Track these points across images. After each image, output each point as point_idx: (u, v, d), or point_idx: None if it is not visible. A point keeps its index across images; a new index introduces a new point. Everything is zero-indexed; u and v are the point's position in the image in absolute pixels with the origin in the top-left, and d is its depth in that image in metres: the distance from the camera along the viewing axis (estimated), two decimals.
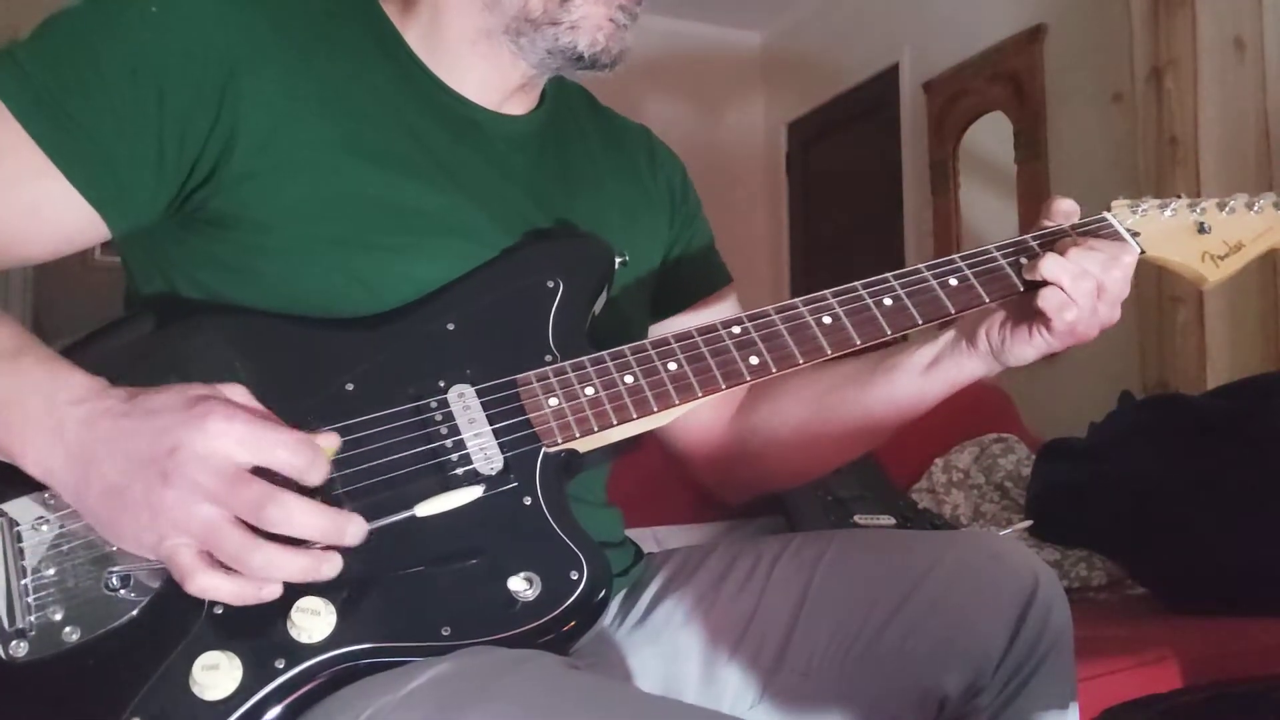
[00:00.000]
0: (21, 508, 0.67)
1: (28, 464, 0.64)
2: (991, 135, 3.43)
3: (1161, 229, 0.92)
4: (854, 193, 4.20)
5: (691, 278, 1.05)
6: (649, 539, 1.55)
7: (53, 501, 0.67)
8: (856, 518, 1.85)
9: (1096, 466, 1.96)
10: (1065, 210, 0.91)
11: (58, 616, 0.65)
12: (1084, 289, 0.84)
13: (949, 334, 0.93)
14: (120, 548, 0.65)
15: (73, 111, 0.71)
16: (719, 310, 1.04)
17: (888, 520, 1.88)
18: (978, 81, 3.44)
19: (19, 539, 0.67)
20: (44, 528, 0.67)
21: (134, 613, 0.66)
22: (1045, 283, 0.84)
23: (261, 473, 0.63)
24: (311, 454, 0.64)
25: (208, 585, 0.62)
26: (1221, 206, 0.93)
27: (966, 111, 3.54)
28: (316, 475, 0.65)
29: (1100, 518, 1.92)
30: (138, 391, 0.65)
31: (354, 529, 0.65)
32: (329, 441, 0.67)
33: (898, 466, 2.17)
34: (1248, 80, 2.49)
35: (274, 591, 0.64)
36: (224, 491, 0.61)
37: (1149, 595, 1.89)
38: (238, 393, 0.66)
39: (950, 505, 2.19)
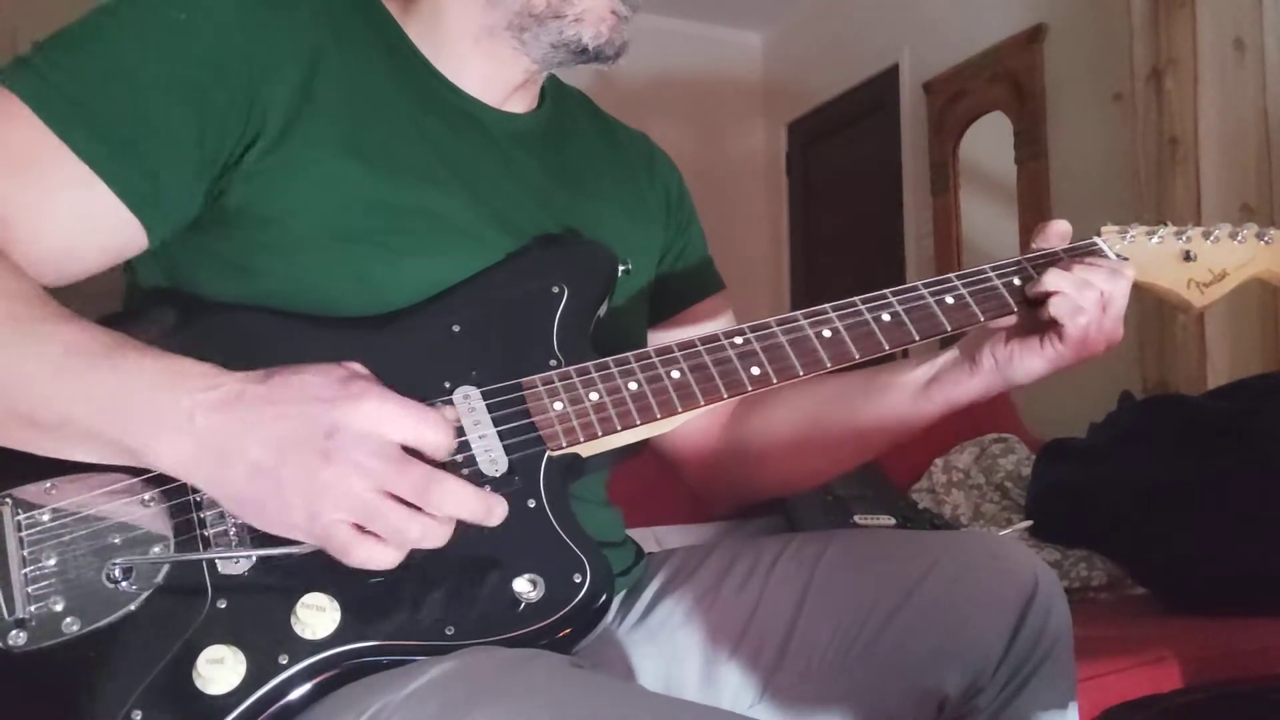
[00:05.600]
0: (23, 496, 0.67)
1: (157, 457, 0.63)
2: (991, 135, 3.42)
3: (1149, 255, 0.94)
4: (854, 193, 4.20)
5: (685, 283, 1.05)
6: (649, 539, 1.55)
7: (54, 490, 0.67)
8: (856, 518, 1.85)
9: (1096, 467, 1.96)
10: (1060, 231, 0.92)
11: (58, 607, 0.65)
12: (1089, 297, 0.85)
13: (950, 353, 0.93)
14: (262, 528, 0.65)
15: (113, 124, 0.71)
16: (711, 316, 1.04)
17: (888, 520, 1.89)
18: (978, 81, 3.44)
19: (19, 528, 0.67)
20: (45, 516, 0.67)
21: (135, 605, 0.66)
22: (1048, 297, 0.86)
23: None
24: (450, 431, 0.66)
25: (371, 555, 0.63)
26: (1207, 235, 0.95)
27: (966, 111, 3.54)
28: (448, 452, 0.67)
29: (1100, 518, 1.92)
30: (272, 373, 0.65)
31: (500, 510, 0.67)
32: (453, 416, 0.71)
33: (898, 466, 2.17)
34: (1248, 80, 2.49)
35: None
36: (387, 471, 0.62)
37: (1149, 595, 1.90)
38: (363, 369, 0.67)
39: (950, 505, 2.19)
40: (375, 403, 0.63)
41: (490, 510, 0.66)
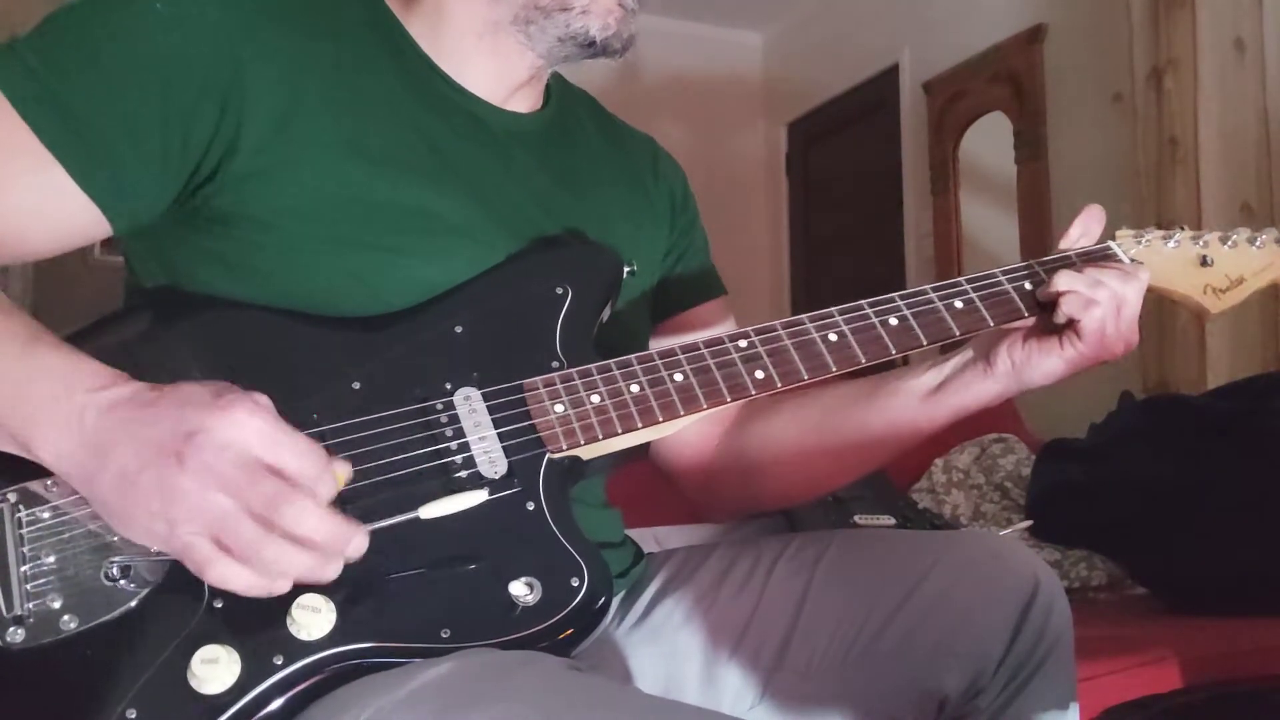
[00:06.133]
0: (23, 494, 0.67)
1: (40, 451, 0.63)
2: (991, 135, 3.43)
3: (1165, 260, 0.92)
4: (854, 193, 4.20)
5: (684, 287, 1.04)
6: (649, 539, 1.55)
7: (55, 488, 0.67)
8: (856, 518, 1.85)
9: (1096, 467, 1.96)
10: (1097, 214, 0.92)
11: (56, 604, 0.65)
12: (1102, 295, 0.84)
13: (962, 356, 0.92)
14: (127, 538, 0.64)
15: (77, 108, 0.71)
16: (710, 321, 1.04)
17: (888, 520, 1.89)
18: (978, 82, 3.44)
19: (19, 525, 0.67)
20: (45, 514, 0.67)
21: (133, 603, 0.66)
22: (1060, 297, 0.85)
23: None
24: (321, 468, 0.63)
25: (226, 574, 0.60)
26: (1224, 240, 0.93)
27: (966, 111, 3.54)
28: (323, 490, 0.63)
29: (1100, 518, 1.92)
30: (166, 385, 0.64)
31: (358, 542, 0.63)
32: (341, 470, 0.65)
33: (898, 466, 2.17)
34: (1248, 80, 2.49)
35: (284, 587, 0.62)
36: (241, 482, 0.60)
37: (1149, 595, 1.90)
38: (263, 399, 0.64)
39: (950, 505, 2.19)
40: (242, 414, 0.61)
41: (347, 540, 0.63)
